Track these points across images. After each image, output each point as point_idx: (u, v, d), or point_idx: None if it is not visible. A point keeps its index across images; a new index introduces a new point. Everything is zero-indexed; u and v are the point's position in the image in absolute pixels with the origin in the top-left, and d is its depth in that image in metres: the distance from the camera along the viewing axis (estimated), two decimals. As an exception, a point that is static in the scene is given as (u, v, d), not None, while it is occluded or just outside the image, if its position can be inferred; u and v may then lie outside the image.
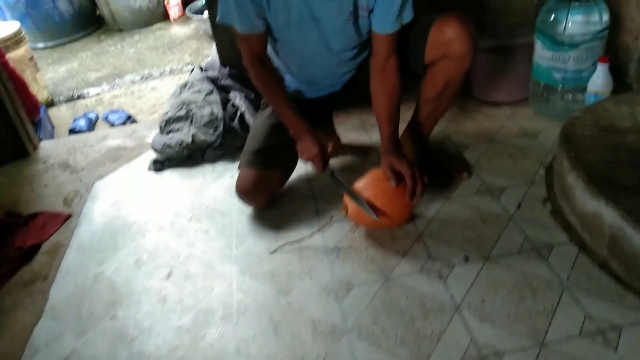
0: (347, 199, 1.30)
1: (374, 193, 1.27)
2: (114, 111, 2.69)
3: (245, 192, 1.43)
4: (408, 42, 1.35)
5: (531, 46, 1.68)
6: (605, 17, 1.55)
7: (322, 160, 1.36)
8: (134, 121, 2.58)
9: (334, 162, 1.69)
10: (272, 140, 1.44)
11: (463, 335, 1.04)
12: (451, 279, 1.18)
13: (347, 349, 1.05)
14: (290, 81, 1.50)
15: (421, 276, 1.20)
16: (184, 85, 2.03)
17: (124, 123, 2.55)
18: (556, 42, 1.57)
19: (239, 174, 1.44)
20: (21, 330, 1.24)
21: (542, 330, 1.02)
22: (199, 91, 1.94)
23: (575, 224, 1.25)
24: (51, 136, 2.56)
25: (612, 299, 1.06)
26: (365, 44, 1.38)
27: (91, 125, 2.62)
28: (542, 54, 1.63)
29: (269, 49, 1.41)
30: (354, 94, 1.54)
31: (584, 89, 1.60)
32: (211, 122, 1.81)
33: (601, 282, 1.10)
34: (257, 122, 1.52)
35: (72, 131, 2.56)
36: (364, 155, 1.71)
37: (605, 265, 1.15)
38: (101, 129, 2.58)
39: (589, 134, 1.35)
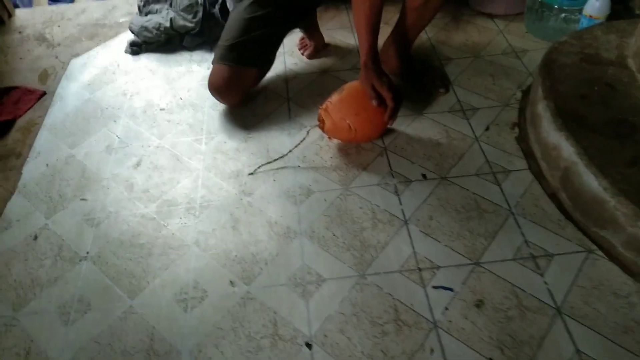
0: (324, 112, 1.29)
1: (356, 110, 1.25)
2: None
3: (217, 89, 1.42)
4: None
5: (535, -43, 1.57)
6: None
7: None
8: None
9: (320, 61, 1.66)
10: (247, 35, 1.39)
11: (406, 247, 1.11)
12: (406, 194, 1.22)
13: (297, 249, 1.13)
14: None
15: (377, 189, 1.24)
16: (165, -39, 1.90)
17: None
18: (560, -44, 1.47)
19: (212, 70, 1.42)
20: (-7, 204, 1.30)
21: (479, 251, 1.09)
22: (180, -29, 1.83)
23: (537, 152, 1.27)
24: (30, 3, 2.44)
25: (552, 229, 1.12)
26: None
27: (72, -7, 2.49)
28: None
29: None
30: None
31: (580, 10, 1.53)
32: (191, 7, 1.73)
33: (546, 212, 1.16)
34: (233, 14, 1.46)
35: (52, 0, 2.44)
36: (344, 58, 1.67)
37: (554, 196, 1.19)
38: (82, -1, 2.45)
39: (570, 63, 1.32)
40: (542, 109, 1.25)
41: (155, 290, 1.08)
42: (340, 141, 1.36)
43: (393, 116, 1.26)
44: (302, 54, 1.69)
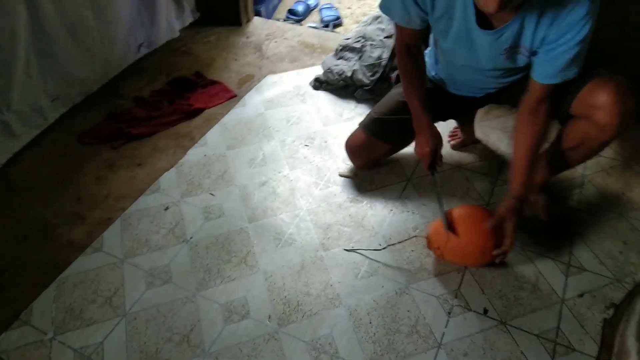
0: (433, 234, 1.33)
1: (471, 228, 1.28)
2: (329, 6, 2.90)
3: (350, 149, 1.59)
4: (567, 86, 1.24)
5: None
6: None
7: (430, 159, 1.39)
8: (339, 24, 2.77)
9: (460, 154, 1.71)
10: (395, 115, 1.51)
11: (424, 369, 1.14)
12: (457, 320, 1.24)
13: (334, 319, 1.24)
14: (436, 68, 1.50)
15: (434, 301, 1.28)
16: (375, 18, 2.12)
17: (331, 21, 2.77)
18: None
19: (353, 132, 1.58)
20: (155, 170, 1.68)
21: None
22: (383, 30, 2.02)
23: (615, 348, 1.16)
24: (274, 9, 2.91)
25: None
26: (518, 71, 1.30)
27: (307, 11, 2.89)
28: None
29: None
30: (496, 102, 1.50)
31: None
32: (373, 66, 1.92)
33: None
34: (392, 92, 1.59)
35: (290, 11, 2.87)
36: (485, 161, 1.68)
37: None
38: (313, 17, 2.84)
39: None
40: (637, 308, 1.13)
41: (216, 292, 1.31)
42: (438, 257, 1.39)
43: (503, 257, 1.27)
44: (449, 142, 1.75)
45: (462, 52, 1.28)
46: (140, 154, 1.74)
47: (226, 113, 1.92)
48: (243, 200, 1.57)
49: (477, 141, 1.75)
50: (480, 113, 1.78)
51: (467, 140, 1.73)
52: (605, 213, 1.49)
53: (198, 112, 1.92)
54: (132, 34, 2.07)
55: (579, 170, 1.62)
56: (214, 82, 2.07)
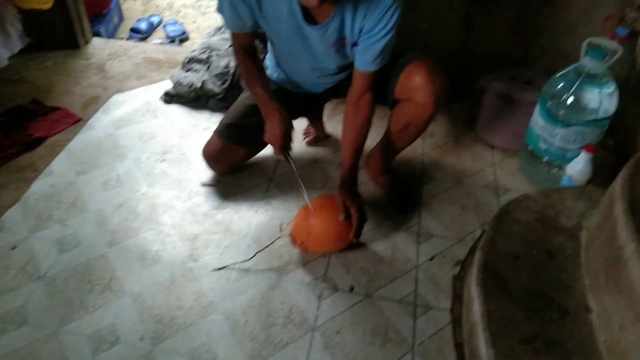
0: (295, 231, 1.40)
1: (325, 217, 1.36)
2: (173, 22, 2.87)
3: (208, 157, 1.60)
4: (388, 74, 1.38)
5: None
6: (608, 108, 1.46)
7: (281, 143, 1.40)
8: (185, 39, 2.75)
9: (315, 149, 1.80)
10: (245, 119, 1.56)
11: (302, 355, 1.19)
12: (327, 302, 1.31)
13: (211, 325, 1.24)
14: (277, 71, 1.57)
15: (305, 289, 1.34)
16: (218, 29, 2.15)
17: (177, 37, 2.74)
18: (550, 114, 1.52)
19: (208, 140, 1.59)
20: (-3, 208, 1.54)
21: (364, 378, 1.15)
22: (227, 39, 2.06)
23: (464, 295, 1.31)
24: (115, 29, 2.81)
25: (443, 377, 1.16)
26: (350, 66, 1.42)
27: (151, 29, 2.84)
28: (536, 119, 1.58)
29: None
30: (336, 96, 1.62)
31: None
32: (222, 75, 1.95)
33: None
34: (240, 98, 1.63)
35: (133, 30, 2.79)
36: (338, 153, 1.79)
37: (460, 347, 1.23)
38: (157, 35, 2.78)
39: (524, 220, 1.35)
40: (476, 258, 1.29)
41: (81, 325, 1.23)
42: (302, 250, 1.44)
43: (357, 234, 1.36)
44: (304, 139, 1.83)
45: (297, 49, 1.36)
46: (-25, 193, 1.57)
47: (72, 138, 1.81)
48: (100, 225, 1.49)
49: (329, 136, 1.86)
50: (328, 109, 1.90)
51: (319, 136, 1.83)
52: (443, 184, 1.68)
53: (39, 141, 1.79)
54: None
55: (417, 150, 1.80)
56: (54, 109, 1.94)
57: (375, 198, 1.61)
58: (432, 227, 1.52)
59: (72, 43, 2.31)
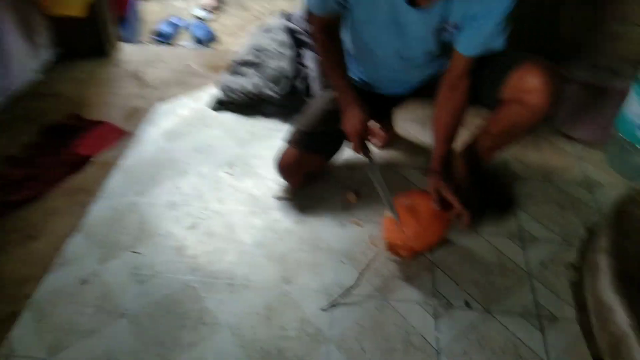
0: (390, 237, 1.28)
1: (418, 210, 1.27)
2: (200, 24, 2.72)
3: (284, 169, 1.46)
4: (484, 73, 1.27)
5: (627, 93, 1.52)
6: None
7: (360, 137, 1.32)
8: (213, 39, 2.60)
9: (389, 153, 1.68)
10: (324, 126, 1.43)
11: (433, 382, 1.08)
12: (444, 320, 1.19)
13: (324, 355, 1.12)
14: (356, 70, 1.45)
15: (417, 308, 1.22)
16: (264, 28, 2.01)
17: (205, 39, 2.59)
18: (653, 101, 1.42)
19: (284, 150, 1.45)
20: (56, 238, 1.38)
21: (508, 406, 1.04)
22: (275, 40, 1.92)
23: (590, 306, 1.21)
24: (135, 33, 2.64)
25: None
26: (441, 57, 1.31)
27: (175, 31, 2.68)
28: (633, 107, 1.47)
29: (342, 33, 1.37)
30: (416, 96, 1.50)
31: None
32: (277, 78, 1.81)
33: (588, 376, 1.09)
34: (317, 100, 1.50)
35: (157, 33, 2.63)
36: (413, 156, 1.68)
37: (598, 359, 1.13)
38: (183, 38, 2.63)
39: (645, 216, 1.26)
40: (603, 264, 1.19)
41: (180, 366, 1.10)
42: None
43: (470, 220, 1.27)
44: (372, 142, 1.71)
45: (388, 38, 1.26)
46: (29, 223, 1.42)
47: (121, 155, 1.66)
48: (176, 250, 1.36)
49: (400, 137, 1.74)
50: (396, 110, 1.77)
51: (389, 138, 1.71)
52: (532, 182, 1.57)
53: (85, 159, 1.64)
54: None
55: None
56: (97, 123, 1.78)
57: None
58: (533, 229, 1.42)
59: (99, 50, 2.15)
